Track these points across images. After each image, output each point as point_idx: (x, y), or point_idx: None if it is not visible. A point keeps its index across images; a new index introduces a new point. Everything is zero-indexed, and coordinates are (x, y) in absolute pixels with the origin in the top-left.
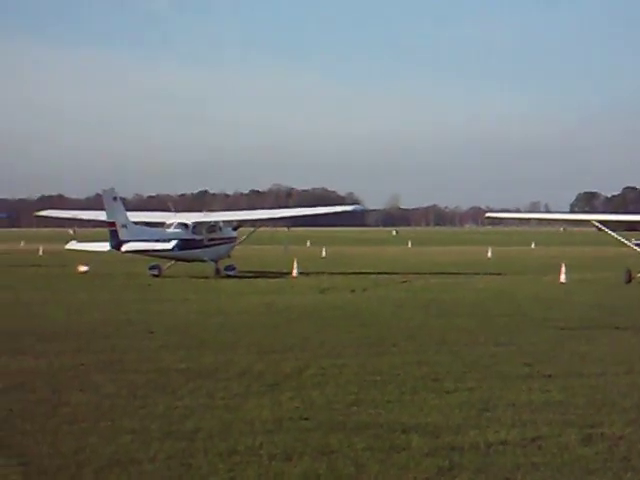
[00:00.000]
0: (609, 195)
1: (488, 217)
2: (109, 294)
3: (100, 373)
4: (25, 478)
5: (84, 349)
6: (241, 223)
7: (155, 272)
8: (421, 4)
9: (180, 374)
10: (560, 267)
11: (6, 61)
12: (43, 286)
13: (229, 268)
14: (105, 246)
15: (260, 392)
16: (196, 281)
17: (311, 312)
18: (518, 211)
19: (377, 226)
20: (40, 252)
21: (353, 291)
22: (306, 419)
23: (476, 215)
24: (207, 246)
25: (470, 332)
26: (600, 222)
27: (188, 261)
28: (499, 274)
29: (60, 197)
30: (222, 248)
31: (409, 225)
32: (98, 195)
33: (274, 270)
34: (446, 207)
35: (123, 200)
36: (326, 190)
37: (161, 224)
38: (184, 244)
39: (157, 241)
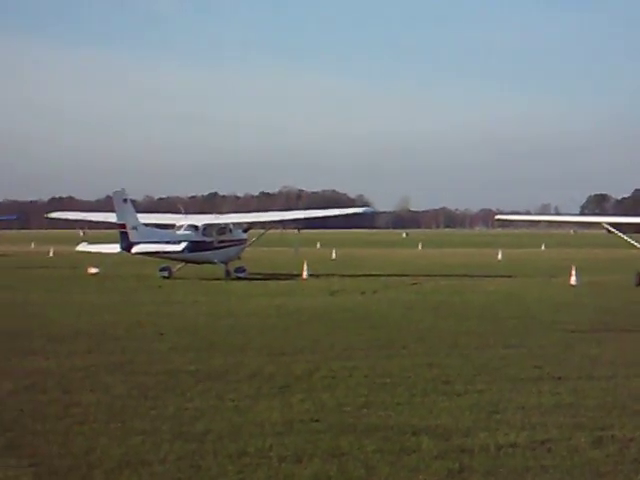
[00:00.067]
0: (619, 197)
1: (498, 219)
2: (119, 296)
3: (110, 374)
4: (36, 479)
5: (94, 350)
6: (251, 225)
7: (165, 274)
8: (421, 4)
9: (190, 376)
10: (570, 269)
11: (6, 61)
12: (54, 288)
13: (239, 270)
14: (115, 248)
15: (270, 394)
16: (206, 283)
17: (321, 314)
18: (528, 213)
19: (387, 228)
20: (50, 254)
21: (363, 293)
22: (316, 421)
23: (486, 217)
24: (217, 248)
25: (480, 334)
26: (610, 224)
27: (198, 263)
28: (509, 276)
29: (70, 199)
30: (232, 250)
31: (419, 227)
32: (108, 197)
33: (284, 272)
34: (456, 209)
35: (133, 202)
36: (336, 192)
37: (171, 226)
38: (194, 246)
39: (167, 243)
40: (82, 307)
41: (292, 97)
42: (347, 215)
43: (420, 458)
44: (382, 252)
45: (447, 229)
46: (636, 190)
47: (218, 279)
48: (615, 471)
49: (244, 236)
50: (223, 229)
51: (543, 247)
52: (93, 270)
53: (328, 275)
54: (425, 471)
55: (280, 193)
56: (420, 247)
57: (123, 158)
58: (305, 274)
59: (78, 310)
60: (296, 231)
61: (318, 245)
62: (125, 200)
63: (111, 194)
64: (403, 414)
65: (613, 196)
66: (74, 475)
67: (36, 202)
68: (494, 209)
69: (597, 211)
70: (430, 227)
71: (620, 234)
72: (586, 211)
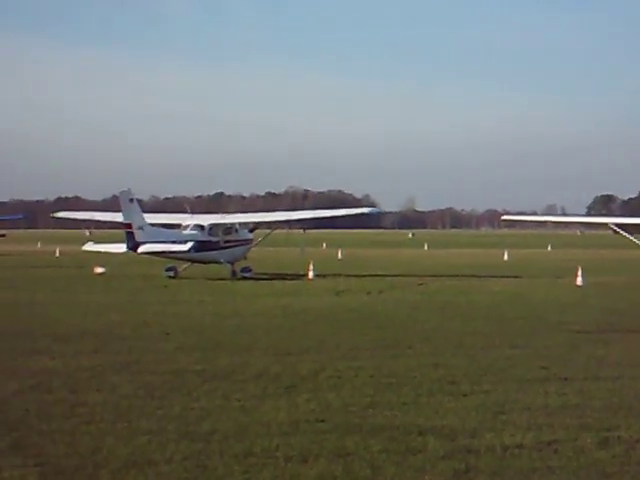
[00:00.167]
0: (626, 198)
1: (504, 220)
2: (125, 295)
3: (117, 374)
4: (42, 479)
5: (101, 350)
6: (257, 225)
7: (171, 274)
8: (421, 4)
9: (196, 376)
10: (576, 270)
11: (6, 61)
12: (60, 287)
13: (245, 270)
14: (122, 247)
15: (276, 394)
16: (212, 283)
17: (327, 314)
18: (534, 214)
19: (393, 228)
20: (57, 253)
21: (369, 293)
22: (322, 421)
23: (492, 218)
24: (223, 248)
25: (486, 335)
26: (617, 225)
27: (204, 263)
28: (515, 277)
29: (77, 199)
30: (238, 250)
31: (425, 228)
32: (115, 197)
33: (290, 272)
34: (462, 210)
35: (139, 202)
36: (342, 192)
37: (177, 226)
38: (200, 246)
39: (173, 243)
40: (88, 307)
41: (292, 97)
42: (353, 215)
43: (426, 458)
44: (388, 252)
45: (453, 229)
46: None
47: (224, 279)
48: (621, 472)
49: (250, 236)
50: (229, 229)
51: (549, 248)
52: (99, 270)
53: (334, 275)
54: (431, 471)
55: (286, 193)
56: (426, 247)
57: (129, 158)
58: (311, 274)
59: (84, 310)
60: (302, 231)
61: (324, 245)
62: (131, 200)
63: (117, 194)
64: (409, 414)
65: (619, 197)
66: (80, 475)
67: (42, 202)
68: (500, 209)
69: (603, 212)
70: (436, 227)
71: (626, 235)
72: (592, 212)
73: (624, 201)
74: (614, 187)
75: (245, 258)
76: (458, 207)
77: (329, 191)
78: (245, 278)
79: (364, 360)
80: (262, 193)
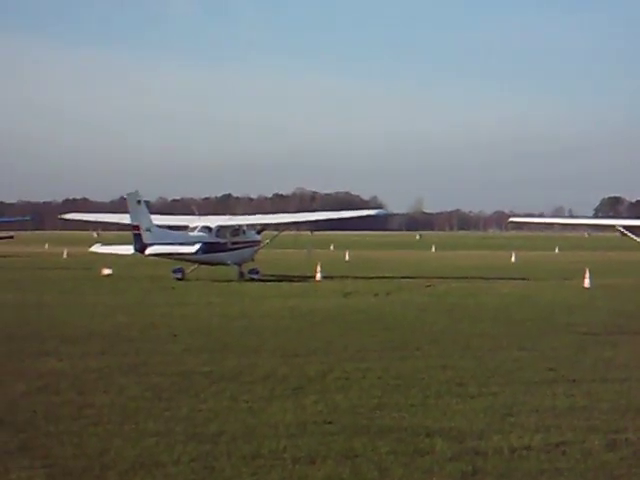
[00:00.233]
0: (633, 200)
1: (512, 222)
2: (133, 297)
3: (124, 376)
4: None
5: (108, 352)
6: (265, 227)
7: (179, 275)
8: (421, 4)
9: (204, 377)
10: (584, 272)
11: (6, 61)
12: (67, 289)
13: (253, 272)
14: (129, 249)
15: (284, 395)
16: (220, 284)
17: (335, 316)
18: (542, 216)
19: (401, 230)
20: (64, 255)
21: (376, 295)
22: (330, 423)
23: (500, 220)
24: (231, 249)
25: (494, 337)
26: (624, 227)
27: (212, 264)
28: (523, 279)
29: (84, 200)
30: (246, 252)
31: (433, 229)
32: (122, 198)
33: (298, 274)
34: (470, 211)
35: (147, 203)
36: (349, 194)
37: (185, 227)
38: (208, 247)
39: (181, 244)
40: (96, 308)
41: (292, 97)
42: (361, 217)
43: (434, 460)
44: (395, 254)
45: (461, 231)
46: None
47: (231, 281)
48: (629, 474)
49: (258, 238)
50: (237, 230)
51: (557, 250)
52: (107, 271)
53: (341, 277)
54: (439, 473)
55: (294, 195)
56: (433, 249)
57: (134, 159)
58: (319, 276)
59: (92, 311)
60: (309, 233)
61: (332, 247)
62: (139, 202)
63: (125, 196)
64: (417, 416)
65: (627, 199)
66: (88, 476)
67: (50, 203)
68: (507, 211)
69: (611, 214)
70: (443, 229)
71: (634, 237)
72: (600, 214)
73: (632, 203)
74: (622, 189)
75: (253, 260)
76: (465, 209)
77: (336, 193)
78: (253, 280)
79: (372, 362)
80: (270, 195)
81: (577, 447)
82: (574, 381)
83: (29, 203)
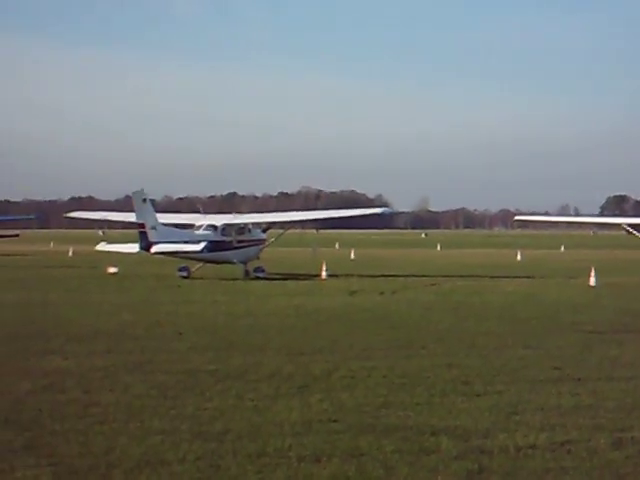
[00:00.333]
0: (639, 198)
1: (517, 220)
2: (138, 295)
3: (130, 374)
4: (55, 478)
5: (114, 350)
6: (270, 225)
7: (184, 274)
8: (421, 4)
9: (209, 375)
10: (589, 270)
11: (6, 61)
12: (73, 287)
13: (258, 270)
14: (135, 247)
15: (289, 394)
16: (225, 283)
17: (340, 314)
18: (547, 214)
19: (406, 228)
20: (70, 253)
21: (382, 293)
22: (335, 421)
23: (505, 218)
24: (236, 248)
25: (499, 335)
26: (630, 225)
27: (217, 263)
28: (528, 277)
29: (90, 199)
30: (251, 250)
31: (438, 228)
32: (128, 197)
33: (303, 272)
34: (475, 210)
35: (152, 202)
36: (355, 192)
37: (190, 226)
38: (213, 246)
39: (186, 243)
40: (101, 307)
41: (292, 97)
42: (366, 215)
43: (439, 459)
44: (401, 252)
45: (466, 230)
46: None
47: (237, 279)
48: (635, 473)
49: (263, 236)
50: (242, 229)
51: (562, 248)
52: (112, 270)
53: (347, 275)
54: (444, 472)
55: (299, 193)
56: (439, 247)
57: (134, 159)
58: (324, 274)
59: (97, 310)
60: (315, 231)
61: (337, 245)
62: (144, 200)
63: (130, 194)
64: (422, 414)
65: (632, 197)
66: (93, 475)
67: (55, 202)
68: (513, 210)
69: (616, 212)
70: (449, 227)
71: (639, 235)
72: (605, 212)
73: (637, 201)
74: (627, 187)
75: (258, 258)
76: (471, 207)
77: (342, 191)
78: (258, 278)
79: (377, 360)
80: (275, 193)
81: (583, 446)
82: (579, 379)
83: (34, 201)
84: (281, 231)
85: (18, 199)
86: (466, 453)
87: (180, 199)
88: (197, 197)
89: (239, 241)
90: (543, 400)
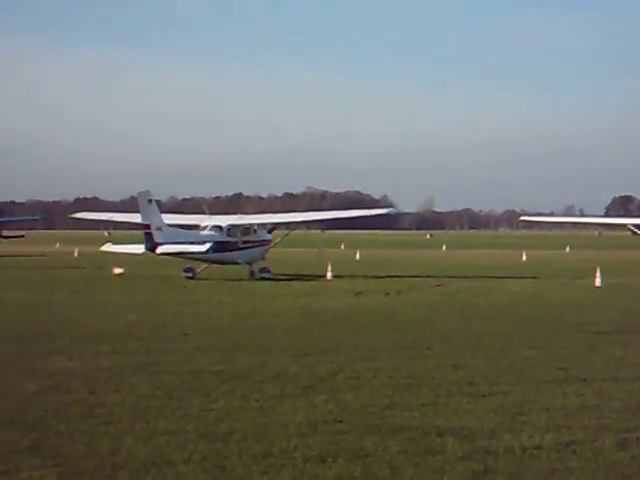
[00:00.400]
0: None
1: (523, 220)
2: (144, 296)
3: (135, 375)
4: (60, 479)
5: (119, 351)
6: (275, 226)
7: (189, 274)
8: (421, 4)
9: (215, 376)
10: (595, 271)
11: (6, 61)
12: (78, 288)
13: (263, 271)
14: (140, 248)
15: (295, 395)
16: (230, 283)
17: (345, 315)
18: (553, 215)
19: (411, 229)
20: (75, 254)
21: (387, 294)
22: (340, 422)
23: (511, 218)
24: (241, 249)
25: (504, 336)
26: (635, 226)
27: (222, 263)
28: (534, 278)
29: (95, 199)
30: (256, 251)
31: (443, 228)
32: (133, 197)
33: (308, 273)
34: (480, 210)
35: (158, 202)
36: (360, 193)
37: (196, 226)
38: (218, 247)
39: (192, 243)
40: (107, 307)
41: (292, 97)
42: (371, 216)
43: (445, 459)
44: (406, 253)
45: (471, 230)
46: None
47: (242, 280)
48: None
49: (268, 237)
50: (247, 230)
51: (568, 249)
52: (118, 270)
53: (352, 276)
54: (450, 472)
55: (304, 194)
56: (444, 248)
57: (138, 159)
58: (329, 275)
59: (103, 310)
60: (320, 232)
61: (342, 246)
62: (150, 201)
63: (136, 195)
64: (428, 415)
65: (638, 197)
66: (99, 475)
67: (60, 202)
68: (518, 210)
69: (622, 212)
70: (454, 228)
71: None
72: (611, 212)
73: None
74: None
75: (263, 259)
76: (476, 208)
77: (347, 192)
78: (263, 279)
79: (383, 361)
80: (280, 194)
81: (588, 446)
82: (585, 380)
83: (39, 202)
84: (286, 232)
85: (23, 200)
86: (472, 454)
87: (185, 200)
88: (202, 198)
89: (244, 242)
90: (549, 401)
